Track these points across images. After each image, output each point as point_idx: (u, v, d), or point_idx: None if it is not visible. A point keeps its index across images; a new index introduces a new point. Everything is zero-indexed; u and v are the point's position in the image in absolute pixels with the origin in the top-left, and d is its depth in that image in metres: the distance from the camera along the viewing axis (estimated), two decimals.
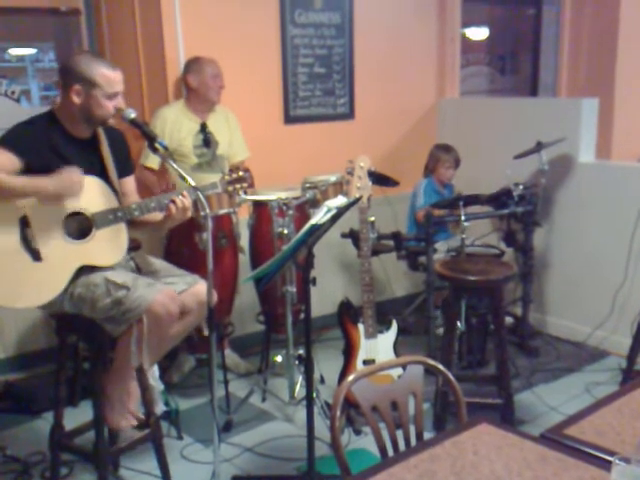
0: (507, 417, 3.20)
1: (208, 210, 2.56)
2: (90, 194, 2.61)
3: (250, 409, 3.60)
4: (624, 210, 4.07)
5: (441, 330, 3.85)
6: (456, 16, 5.08)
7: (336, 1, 4.44)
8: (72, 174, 2.54)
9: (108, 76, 2.56)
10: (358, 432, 3.34)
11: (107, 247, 2.66)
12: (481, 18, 5.99)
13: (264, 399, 3.70)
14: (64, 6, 4.19)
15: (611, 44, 5.41)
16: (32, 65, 4.37)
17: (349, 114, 4.68)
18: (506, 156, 4.23)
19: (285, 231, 3.39)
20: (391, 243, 4.18)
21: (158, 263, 2.93)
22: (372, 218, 3.37)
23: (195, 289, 2.78)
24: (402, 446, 1.92)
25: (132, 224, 2.76)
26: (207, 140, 3.79)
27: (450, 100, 5.13)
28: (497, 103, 5.20)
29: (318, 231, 2.51)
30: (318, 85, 4.49)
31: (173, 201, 2.65)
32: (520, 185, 4.04)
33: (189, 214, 2.71)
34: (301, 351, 3.53)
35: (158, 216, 2.78)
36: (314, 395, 3.00)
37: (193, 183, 2.57)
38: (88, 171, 2.62)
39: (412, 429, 1.97)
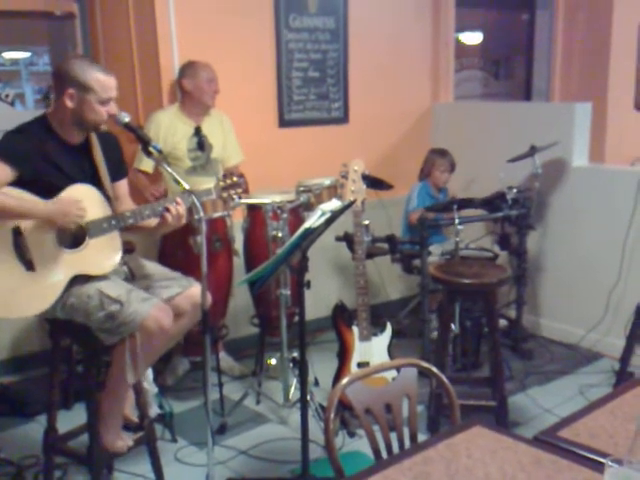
0: (501, 419, 3.21)
1: (202, 213, 2.56)
2: (84, 202, 2.57)
3: (244, 412, 3.60)
4: (617, 213, 4.09)
5: (436, 333, 3.86)
6: (450, 21, 5.09)
7: (331, 6, 4.46)
8: (71, 206, 2.50)
9: (102, 81, 2.54)
10: (352, 434, 3.34)
11: (101, 256, 2.63)
12: (475, 23, 6.01)
13: (258, 402, 3.70)
14: (59, 10, 4.19)
15: (604, 49, 5.44)
16: (26, 69, 4.37)
17: (343, 118, 4.69)
18: (500, 160, 4.24)
19: (279, 234, 3.40)
20: (385, 246, 4.19)
21: (152, 266, 2.91)
22: (366, 221, 3.38)
23: (190, 292, 2.77)
24: (396, 448, 1.93)
25: (126, 228, 2.74)
26: (201, 144, 3.80)
27: (444, 104, 5.15)
28: (491, 107, 5.22)
29: (312, 234, 2.52)
30: (312, 89, 4.50)
31: (167, 209, 2.63)
32: (514, 188, 4.06)
33: (183, 221, 2.69)
34: (295, 354, 3.53)
35: (153, 222, 2.77)
36: (308, 398, 3.00)
37: (187, 187, 2.57)
38: (80, 177, 2.60)
39: (406, 431, 1.97)
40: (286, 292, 3.46)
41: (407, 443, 1.95)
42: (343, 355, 3.34)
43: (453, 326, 3.68)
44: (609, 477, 1.39)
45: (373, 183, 3.76)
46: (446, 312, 3.36)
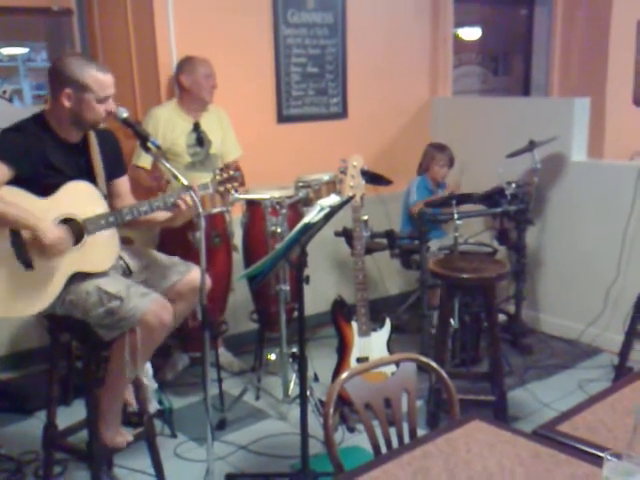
0: (500, 414, 3.21)
1: (201, 209, 2.56)
2: (81, 199, 2.57)
3: (244, 407, 3.60)
4: (616, 208, 4.09)
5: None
6: (449, 16, 5.08)
7: (329, 1, 4.45)
8: (61, 244, 2.47)
9: (100, 80, 2.51)
10: (351, 429, 3.34)
11: (99, 253, 2.62)
12: (473, 18, 6.00)
13: (258, 397, 3.70)
14: (56, 6, 4.18)
15: (603, 44, 5.43)
16: (24, 65, 4.36)
17: (342, 113, 4.69)
18: (499, 155, 4.24)
19: (278, 230, 3.40)
20: (384, 241, 4.19)
21: (148, 256, 2.89)
22: (365, 217, 3.38)
23: (189, 276, 2.77)
24: (395, 443, 1.93)
25: (134, 223, 2.71)
26: (200, 139, 3.79)
27: (443, 99, 5.14)
28: (490, 102, 5.21)
29: (311, 230, 2.52)
30: (311, 84, 4.49)
31: (182, 199, 2.61)
32: (513, 184, 4.05)
33: (199, 210, 2.64)
34: (295, 349, 3.53)
35: (160, 215, 2.76)
36: (308, 393, 3.01)
37: (185, 182, 2.56)
38: (76, 176, 2.59)
39: (405, 426, 1.97)
40: (285, 287, 3.46)
41: (406, 438, 1.96)
42: (342, 350, 3.35)
43: (452, 321, 3.68)
44: (608, 471, 1.39)
45: (372, 178, 3.76)
46: (445, 307, 3.36)
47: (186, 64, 3.77)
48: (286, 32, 4.31)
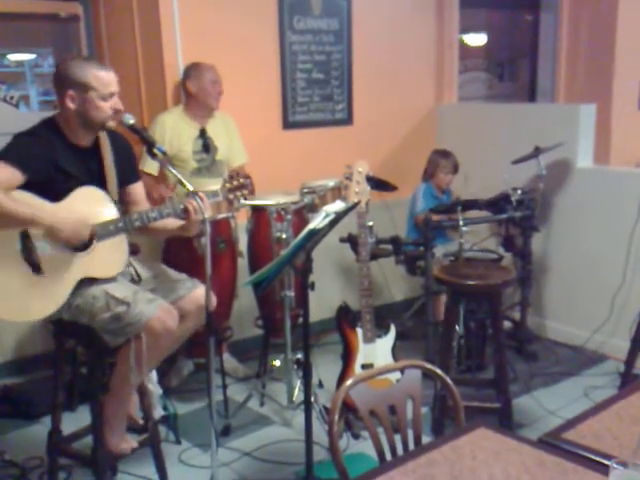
0: (505, 421, 3.20)
1: (206, 215, 2.56)
2: (91, 205, 2.58)
3: (248, 413, 3.60)
4: (622, 215, 4.07)
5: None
6: (454, 22, 5.09)
7: (334, 7, 4.46)
8: (81, 231, 2.49)
9: (101, 77, 2.52)
10: (356, 436, 3.33)
11: (108, 258, 2.63)
12: (479, 24, 6.01)
13: (262, 403, 3.70)
14: (63, 12, 4.21)
15: (609, 50, 5.42)
16: (31, 70, 4.38)
17: (347, 119, 4.69)
18: (504, 161, 4.23)
19: (283, 236, 3.40)
20: (389, 247, 4.18)
21: (157, 268, 2.92)
22: (370, 223, 3.38)
23: (194, 294, 2.77)
24: (400, 450, 1.93)
25: (146, 230, 2.72)
26: (206, 145, 3.80)
27: (449, 106, 5.14)
28: (495, 108, 5.21)
29: (316, 236, 2.52)
30: (317, 91, 4.50)
31: (190, 204, 2.60)
32: (518, 190, 4.05)
33: (209, 213, 2.63)
34: (299, 355, 3.52)
35: (172, 223, 2.75)
36: (312, 399, 3.00)
37: (192, 188, 2.57)
38: (87, 180, 2.60)
39: (410, 433, 1.97)
40: (290, 294, 3.46)
41: (411, 445, 1.95)
42: (347, 357, 3.34)
43: (457, 328, 3.67)
44: (614, 479, 1.39)
45: (377, 184, 3.76)
46: (451, 314, 3.35)
47: (192, 70, 3.78)
48: (292, 38, 4.32)
